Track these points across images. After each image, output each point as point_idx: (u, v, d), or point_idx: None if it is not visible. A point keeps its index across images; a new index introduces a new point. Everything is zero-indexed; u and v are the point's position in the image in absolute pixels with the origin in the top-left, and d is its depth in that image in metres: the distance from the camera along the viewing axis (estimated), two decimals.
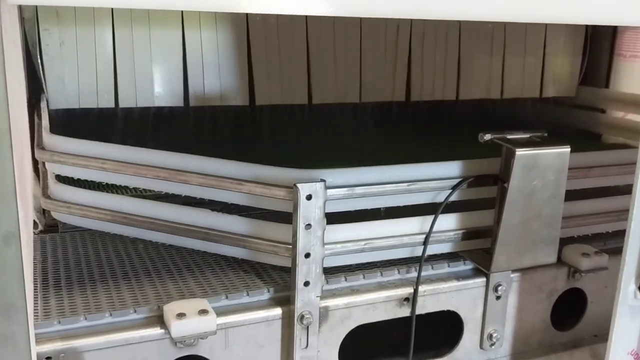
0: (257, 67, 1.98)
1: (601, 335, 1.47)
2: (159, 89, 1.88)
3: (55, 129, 1.40)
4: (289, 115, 2.02)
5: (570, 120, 2.39)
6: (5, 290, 0.70)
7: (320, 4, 0.83)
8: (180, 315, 1.01)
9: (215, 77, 1.95)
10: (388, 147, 1.93)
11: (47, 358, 0.97)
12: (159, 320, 1.05)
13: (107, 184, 1.31)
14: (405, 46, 2.22)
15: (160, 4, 0.76)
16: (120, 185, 1.32)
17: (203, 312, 1.03)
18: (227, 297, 1.13)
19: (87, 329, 1.02)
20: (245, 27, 1.96)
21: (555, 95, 2.56)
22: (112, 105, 1.81)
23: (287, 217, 1.13)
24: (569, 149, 1.23)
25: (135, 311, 1.06)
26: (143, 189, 1.32)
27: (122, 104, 1.82)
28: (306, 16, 2.01)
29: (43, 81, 1.69)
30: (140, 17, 1.83)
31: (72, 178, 1.34)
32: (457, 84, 2.33)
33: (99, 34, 1.78)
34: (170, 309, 1.03)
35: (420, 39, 2.23)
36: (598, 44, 2.46)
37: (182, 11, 1.85)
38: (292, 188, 1.09)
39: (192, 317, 1.02)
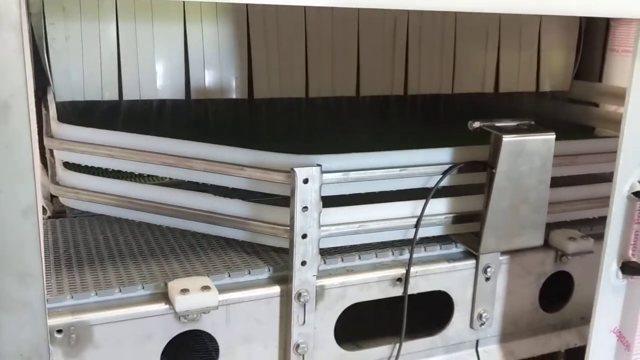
0: (256, 61, 2.04)
1: (588, 318, 1.51)
2: (162, 82, 1.93)
3: (62, 119, 1.45)
4: (287, 108, 2.08)
5: (565, 114, 2.44)
6: (24, 260, 0.76)
7: None
8: (184, 291, 1.08)
9: (216, 70, 2.01)
10: (384, 137, 1.99)
11: (58, 331, 1.02)
12: (164, 296, 1.11)
13: (113, 170, 1.37)
14: (402, 41, 2.27)
15: None
16: (125, 172, 1.38)
17: (205, 288, 1.09)
18: (228, 276, 1.19)
19: (95, 305, 1.08)
20: (246, 22, 2.01)
21: (550, 89, 2.61)
22: (116, 97, 1.87)
23: (285, 201, 1.19)
24: (554, 136, 1.29)
25: (143, 288, 1.12)
26: (147, 175, 1.38)
27: (126, 96, 1.88)
28: (305, 11, 2.06)
29: (49, 74, 1.75)
30: (143, 12, 1.88)
31: (80, 165, 1.39)
32: (453, 78, 2.39)
33: (104, 28, 1.83)
34: (175, 285, 1.09)
35: (417, 33, 2.29)
36: (591, 39, 2.51)
37: (184, 6, 1.91)
38: (290, 172, 1.16)
39: (195, 293, 1.08)
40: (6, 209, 0.73)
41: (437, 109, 2.29)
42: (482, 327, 1.41)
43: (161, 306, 1.10)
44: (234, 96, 2.03)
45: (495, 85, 2.49)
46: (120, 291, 1.11)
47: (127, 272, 1.18)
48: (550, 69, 2.59)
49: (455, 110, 2.30)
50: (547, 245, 1.45)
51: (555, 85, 2.63)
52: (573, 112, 2.41)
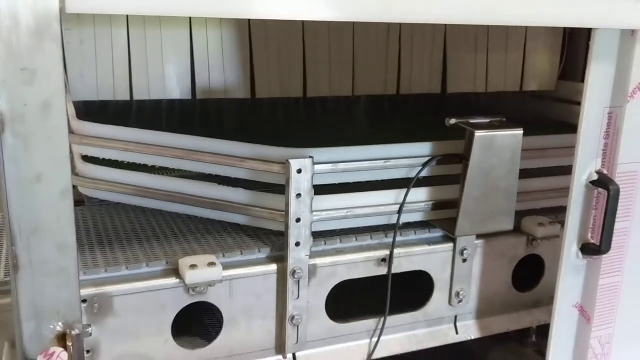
0: (257, 63, 2.19)
1: None
2: (169, 82, 2.07)
3: (79, 117, 1.61)
4: (286, 107, 2.22)
5: (550, 113, 2.58)
6: (61, 233, 0.92)
7: (322, 11, 1.02)
8: (193, 266, 1.23)
9: (220, 72, 2.15)
10: (376, 134, 2.13)
11: (83, 300, 1.17)
12: (175, 272, 1.27)
13: (128, 162, 1.52)
14: (395, 43, 2.42)
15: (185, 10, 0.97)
16: (139, 164, 1.53)
17: (211, 264, 1.25)
18: (231, 255, 1.34)
19: (114, 278, 1.24)
20: (247, 27, 2.16)
21: (536, 89, 2.76)
22: (127, 97, 2.01)
23: (281, 189, 1.35)
24: (521, 131, 1.44)
25: (154, 264, 1.28)
26: (159, 167, 1.53)
27: (136, 96, 2.02)
28: None
29: (65, 76, 1.90)
30: (152, 18, 2.03)
31: (97, 158, 1.55)
32: (443, 79, 2.54)
33: (115, 33, 1.98)
34: (184, 262, 1.25)
35: (409, 36, 2.43)
36: (575, 41, 2.64)
37: None
38: (285, 164, 1.31)
39: (202, 267, 1.24)
40: (47, 190, 0.89)
41: (427, 107, 2.43)
42: (460, 304, 1.57)
43: (172, 280, 1.26)
44: (236, 96, 2.17)
45: (484, 85, 2.63)
46: (134, 267, 1.26)
47: (143, 251, 1.34)
48: (536, 69, 2.73)
49: (445, 109, 2.45)
50: (519, 230, 1.61)
51: (541, 85, 2.77)
52: (558, 111, 2.55)
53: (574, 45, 2.63)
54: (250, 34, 2.16)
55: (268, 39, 2.20)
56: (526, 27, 2.65)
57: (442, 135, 1.49)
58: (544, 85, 2.78)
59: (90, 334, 1.00)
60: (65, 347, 0.95)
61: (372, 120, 2.30)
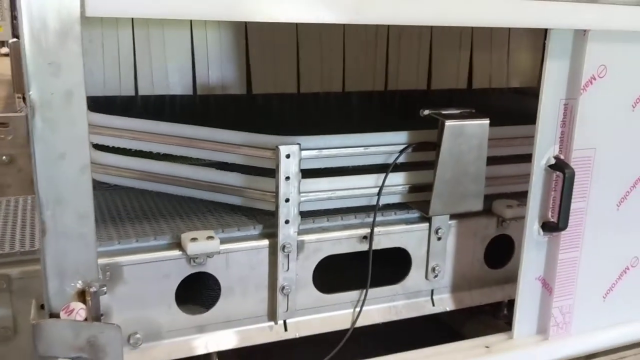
0: (253, 61, 2.34)
1: None
2: (172, 79, 2.23)
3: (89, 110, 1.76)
4: (281, 102, 2.38)
5: (533, 108, 2.72)
6: (81, 203, 1.08)
7: (323, 15, 1.17)
8: (194, 239, 1.40)
9: (218, 70, 2.31)
10: (363, 127, 2.28)
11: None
12: (178, 245, 1.43)
13: (135, 150, 1.67)
14: (383, 42, 2.58)
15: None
16: (144, 151, 1.68)
17: (210, 237, 1.41)
18: (228, 231, 1.50)
19: (124, 250, 1.40)
20: (244, 27, 2.31)
21: (519, 85, 2.91)
22: (133, 93, 2.17)
23: (272, 173, 1.50)
24: (488, 121, 1.60)
25: (159, 239, 1.44)
26: (163, 154, 1.68)
27: (141, 92, 2.18)
28: None
29: None
30: (155, 20, 2.18)
31: (107, 146, 1.70)
32: (429, 75, 2.69)
33: (121, 33, 2.13)
34: (186, 236, 1.41)
35: (396, 35, 2.59)
36: None
37: None
38: (275, 150, 1.47)
39: (202, 240, 1.40)
40: (69, 167, 1.05)
41: (413, 103, 2.58)
42: (436, 278, 1.72)
43: (176, 252, 1.42)
44: (234, 92, 2.33)
45: (468, 82, 2.79)
46: (142, 241, 1.42)
47: (151, 227, 1.49)
48: (519, 67, 2.89)
49: (430, 104, 2.59)
50: (490, 212, 1.77)
51: (524, 81, 2.93)
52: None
53: None
54: (247, 34, 2.32)
55: (263, 38, 2.35)
56: (508, 27, 2.80)
57: (424, 127, 1.64)
58: (527, 82, 2.93)
59: (105, 293, 1.16)
60: (84, 302, 1.11)
61: (361, 114, 2.45)
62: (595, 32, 1.44)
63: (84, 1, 1.00)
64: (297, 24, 2.38)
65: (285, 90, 2.43)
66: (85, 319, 1.11)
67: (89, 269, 1.11)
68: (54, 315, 1.10)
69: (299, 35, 2.41)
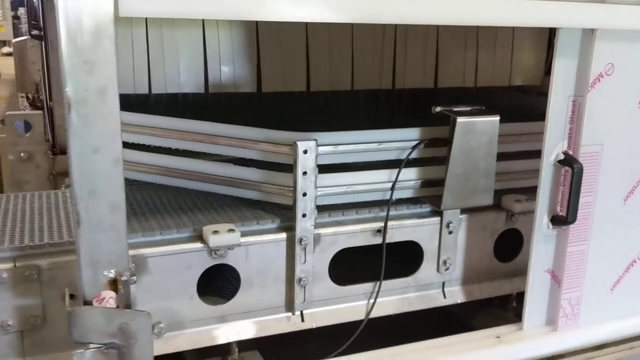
0: (264, 60, 2.39)
1: None
2: (184, 78, 2.28)
3: None
4: (291, 100, 2.42)
5: (537, 106, 2.77)
6: (113, 195, 1.12)
7: (327, 14, 1.21)
8: (215, 232, 1.44)
9: (230, 68, 2.35)
10: (372, 124, 2.33)
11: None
12: (199, 238, 1.48)
13: (154, 146, 1.72)
14: (391, 41, 2.62)
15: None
16: (164, 147, 1.73)
17: (231, 230, 1.46)
18: (247, 225, 1.55)
19: (148, 243, 1.44)
20: (255, 27, 2.36)
21: (523, 84, 2.96)
22: (146, 91, 2.21)
23: (288, 168, 1.55)
24: (498, 118, 1.65)
25: (181, 231, 1.48)
26: (183, 150, 1.73)
27: (154, 90, 2.22)
28: None
29: None
30: (168, 19, 2.22)
31: (127, 142, 1.75)
32: (435, 74, 2.74)
33: (135, 33, 2.17)
34: (208, 229, 1.46)
35: (403, 35, 2.63)
36: None
37: None
38: (293, 145, 1.52)
39: (223, 233, 1.45)
40: (103, 160, 1.09)
41: (420, 100, 2.63)
42: (447, 271, 1.77)
43: (197, 245, 1.47)
44: (245, 90, 2.37)
45: (474, 80, 2.83)
46: (165, 234, 1.47)
47: (173, 220, 1.54)
48: (523, 66, 2.93)
49: (437, 102, 2.64)
50: (499, 207, 1.81)
51: (528, 80, 2.98)
52: (544, 104, 2.73)
53: None
54: (258, 34, 2.36)
55: (274, 37, 2.40)
56: (513, 27, 2.84)
57: (431, 124, 1.69)
58: (530, 81, 2.98)
59: (135, 282, 1.20)
60: (116, 290, 1.15)
61: (370, 112, 2.49)
62: (603, 31, 1.49)
63: (117, 2, 1.04)
64: (306, 24, 2.42)
65: (295, 89, 2.48)
66: (117, 307, 1.15)
67: (120, 259, 1.15)
68: (87, 303, 1.14)
69: (308, 34, 2.46)
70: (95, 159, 1.09)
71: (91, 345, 1.15)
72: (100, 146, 1.09)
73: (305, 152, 1.51)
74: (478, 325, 1.85)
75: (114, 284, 1.16)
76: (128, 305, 1.16)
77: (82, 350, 1.15)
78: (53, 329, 1.38)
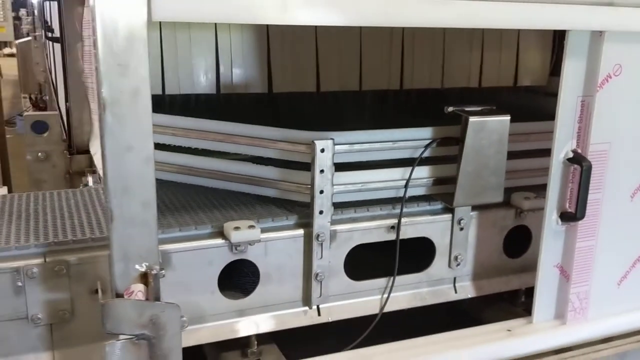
0: (274, 61, 2.44)
1: None
2: (197, 79, 2.33)
3: None
4: (301, 101, 2.47)
5: (543, 106, 2.81)
6: (145, 192, 1.17)
7: (328, 18, 1.26)
8: (237, 228, 1.49)
9: (241, 70, 2.40)
10: (381, 123, 2.38)
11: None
12: (220, 234, 1.53)
13: (174, 145, 1.77)
14: (398, 43, 2.67)
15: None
16: (183, 146, 1.77)
17: (251, 226, 1.51)
18: (265, 221, 1.59)
19: (171, 239, 1.49)
20: (266, 30, 2.41)
21: (529, 84, 3.01)
22: (160, 92, 2.26)
23: (306, 166, 1.60)
24: (509, 117, 1.70)
25: (203, 228, 1.53)
26: (202, 149, 1.77)
27: (168, 91, 2.28)
28: None
29: None
30: (182, 22, 2.27)
31: None
32: (442, 75, 2.79)
33: (149, 35, 2.21)
34: (229, 225, 1.51)
35: (411, 36, 2.69)
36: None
37: None
38: (311, 144, 1.56)
39: (244, 229, 1.50)
40: (135, 159, 1.14)
41: (427, 100, 2.68)
42: (458, 267, 1.82)
43: (219, 241, 1.52)
44: (256, 91, 2.42)
45: (479, 80, 2.88)
46: (184, 230, 1.52)
47: (191, 217, 1.59)
48: (529, 66, 2.98)
49: (444, 102, 2.69)
50: (509, 204, 1.86)
51: (534, 80, 3.03)
52: (550, 104, 2.78)
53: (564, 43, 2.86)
54: (269, 36, 2.41)
55: (284, 39, 2.45)
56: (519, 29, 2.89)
57: (438, 123, 1.74)
58: (536, 81, 3.03)
59: (164, 275, 1.25)
60: (146, 284, 1.20)
61: (379, 112, 2.54)
62: (611, 33, 1.53)
63: (150, 8, 1.09)
64: (316, 28, 2.47)
65: (305, 89, 2.53)
66: (147, 299, 1.20)
67: (150, 253, 1.20)
68: (119, 295, 1.19)
69: (317, 36, 2.51)
70: (128, 157, 1.14)
71: (123, 336, 1.20)
72: (133, 145, 1.14)
73: (322, 150, 1.56)
74: (488, 320, 1.89)
75: (144, 278, 1.20)
76: (157, 298, 1.21)
77: (114, 341, 1.19)
78: (81, 322, 1.43)
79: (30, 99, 11.30)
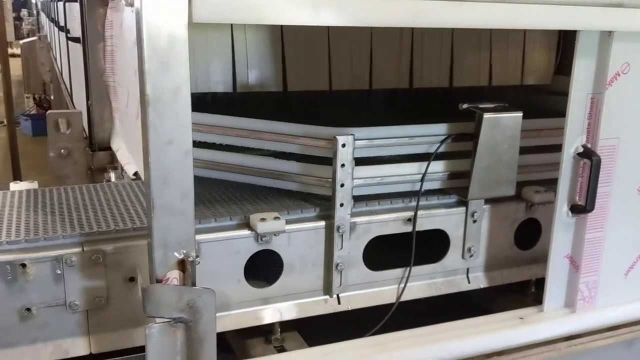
0: (289, 60, 2.50)
1: None
2: (214, 77, 2.39)
3: None
4: (314, 99, 2.54)
5: (547, 104, 2.89)
6: (183, 183, 1.24)
7: (330, 18, 1.32)
8: (262, 220, 1.56)
9: (257, 69, 2.47)
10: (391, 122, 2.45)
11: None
12: (247, 225, 1.60)
13: (199, 141, 1.84)
14: (408, 43, 2.74)
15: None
16: (209, 142, 1.84)
17: (276, 218, 1.58)
18: (289, 213, 1.67)
19: (200, 229, 1.56)
20: (280, 30, 2.47)
21: (534, 83, 3.07)
22: None
23: (326, 161, 1.67)
24: (521, 114, 1.77)
25: (230, 220, 1.60)
26: (226, 145, 1.84)
27: None
28: None
29: None
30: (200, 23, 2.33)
31: None
32: (450, 73, 2.85)
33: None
34: (255, 216, 1.58)
35: (420, 36, 2.75)
36: (571, 39, 2.94)
37: None
38: (332, 140, 1.64)
39: (270, 220, 1.57)
40: (175, 152, 1.21)
41: (436, 99, 2.75)
42: (471, 258, 1.89)
43: (245, 232, 1.59)
44: (271, 89, 2.49)
45: (487, 79, 2.95)
46: (216, 221, 1.59)
47: (219, 209, 1.66)
48: (534, 66, 3.04)
49: (452, 100, 2.76)
50: (520, 198, 1.93)
51: (539, 79, 3.09)
52: (554, 103, 2.85)
53: (568, 43, 2.92)
54: (283, 36, 2.48)
55: (298, 40, 2.51)
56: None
57: (452, 121, 1.81)
58: (541, 80, 3.09)
59: (199, 263, 1.32)
60: (183, 270, 1.27)
61: (389, 110, 2.62)
62: (619, 33, 1.61)
63: (191, 10, 1.16)
64: (328, 28, 2.54)
65: (318, 88, 2.59)
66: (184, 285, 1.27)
67: (188, 241, 1.27)
68: (159, 281, 1.26)
69: (330, 36, 2.57)
70: (168, 150, 1.21)
71: (161, 320, 1.27)
72: (173, 139, 1.21)
73: (343, 145, 1.63)
74: (500, 310, 1.96)
75: (181, 265, 1.27)
76: (194, 284, 1.28)
77: (154, 324, 1.27)
78: (115, 308, 1.50)
79: (34, 98, 11.39)
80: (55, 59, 5.55)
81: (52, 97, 8.31)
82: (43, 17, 9.00)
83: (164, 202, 1.23)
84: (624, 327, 1.85)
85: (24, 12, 17.48)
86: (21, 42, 10.38)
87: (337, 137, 1.62)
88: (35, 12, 14.26)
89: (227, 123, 1.78)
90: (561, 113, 2.68)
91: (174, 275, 1.29)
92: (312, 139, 1.70)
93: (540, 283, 2.00)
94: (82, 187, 1.87)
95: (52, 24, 5.76)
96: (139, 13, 1.14)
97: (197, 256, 1.30)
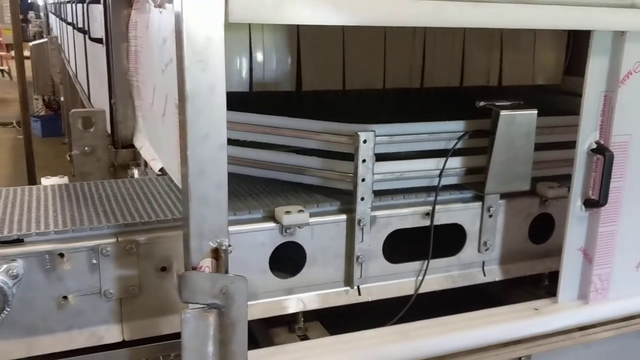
0: (304, 60, 2.56)
1: None
2: (231, 77, 2.45)
3: None
4: (328, 98, 2.59)
5: (557, 104, 2.94)
6: (219, 176, 1.30)
7: (336, 17, 1.37)
8: (287, 212, 1.62)
9: (273, 69, 2.53)
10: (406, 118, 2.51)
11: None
12: (272, 218, 1.66)
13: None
14: (420, 43, 2.79)
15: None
16: (232, 139, 1.90)
17: (300, 211, 1.64)
18: (311, 207, 1.72)
19: (230, 222, 1.62)
20: (296, 31, 2.53)
21: (544, 83, 3.13)
22: None
23: (348, 157, 1.73)
24: (536, 111, 1.83)
25: (256, 212, 1.66)
26: (249, 141, 1.90)
27: None
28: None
29: None
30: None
31: None
32: (462, 73, 2.91)
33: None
34: (280, 209, 1.64)
35: (432, 37, 2.81)
36: (580, 39, 3.00)
37: None
38: (354, 136, 1.70)
39: (294, 213, 1.63)
40: (211, 145, 1.27)
41: (447, 98, 2.81)
42: (487, 251, 1.95)
43: (270, 224, 1.65)
44: (286, 89, 2.55)
45: (497, 79, 3.01)
46: (243, 214, 1.65)
47: (245, 203, 1.72)
48: (544, 66, 3.10)
49: (464, 100, 2.81)
50: (534, 193, 1.99)
51: (548, 79, 3.15)
52: (564, 102, 2.90)
53: (577, 44, 2.98)
54: (299, 36, 2.54)
55: (313, 40, 2.57)
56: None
57: (468, 118, 1.87)
58: (551, 80, 3.14)
59: (231, 252, 1.38)
60: (217, 258, 1.33)
61: (402, 108, 2.67)
62: (632, 33, 1.66)
63: (228, 10, 1.22)
64: (343, 29, 2.60)
65: (332, 87, 2.65)
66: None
67: (221, 231, 1.33)
68: (194, 269, 1.32)
69: (345, 37, 2.63)
70: (205, 143, 1.27)
71: (195, 306, 1.33)
72: (209, 133, 1.27)
73: (365, 141, 1.69)
74: (514, 302, 2.01)
75: (215, 253, 1.33)
76: (226, 271, 1.34)
77: (189, 310, 1.33)
78: (147, 297, 1.56)
79: (44, 100, 11.48)
80: (68, 61, 5.61)
81: (61, 99, 8.38)
82: (52, 19, 9.06)
83: (200, 193, 1.29)
84: (636, 318, 1.90)
85: (31, 14, 17.59)
86: (30, 44, 10.46)
87: (359, 133, 1.68)
88: (43, 14, 14.34)
89: (249, 120, 1.84)
90: (571, 112, 2.76)
91: (207, 264, 1.35)
92: (335, 135, 1.76)
93: (552, 276, 2.06)
94: (111, 182, 1.93)
95: (64, 25, 5.82)
96: (179, 15, 1.20)
97: (229, 245, 1.36)
